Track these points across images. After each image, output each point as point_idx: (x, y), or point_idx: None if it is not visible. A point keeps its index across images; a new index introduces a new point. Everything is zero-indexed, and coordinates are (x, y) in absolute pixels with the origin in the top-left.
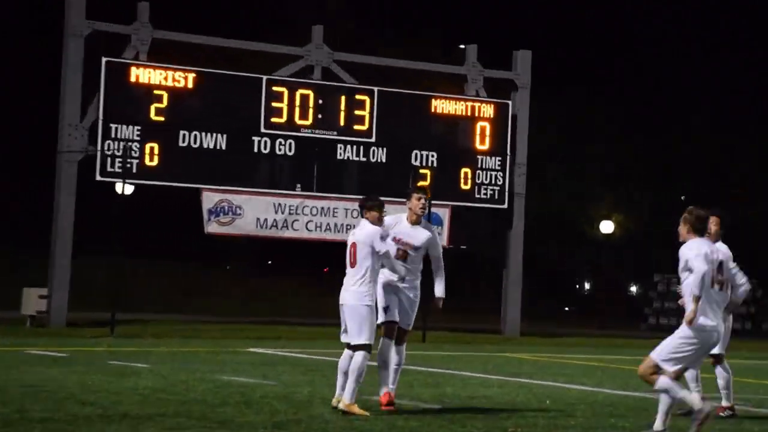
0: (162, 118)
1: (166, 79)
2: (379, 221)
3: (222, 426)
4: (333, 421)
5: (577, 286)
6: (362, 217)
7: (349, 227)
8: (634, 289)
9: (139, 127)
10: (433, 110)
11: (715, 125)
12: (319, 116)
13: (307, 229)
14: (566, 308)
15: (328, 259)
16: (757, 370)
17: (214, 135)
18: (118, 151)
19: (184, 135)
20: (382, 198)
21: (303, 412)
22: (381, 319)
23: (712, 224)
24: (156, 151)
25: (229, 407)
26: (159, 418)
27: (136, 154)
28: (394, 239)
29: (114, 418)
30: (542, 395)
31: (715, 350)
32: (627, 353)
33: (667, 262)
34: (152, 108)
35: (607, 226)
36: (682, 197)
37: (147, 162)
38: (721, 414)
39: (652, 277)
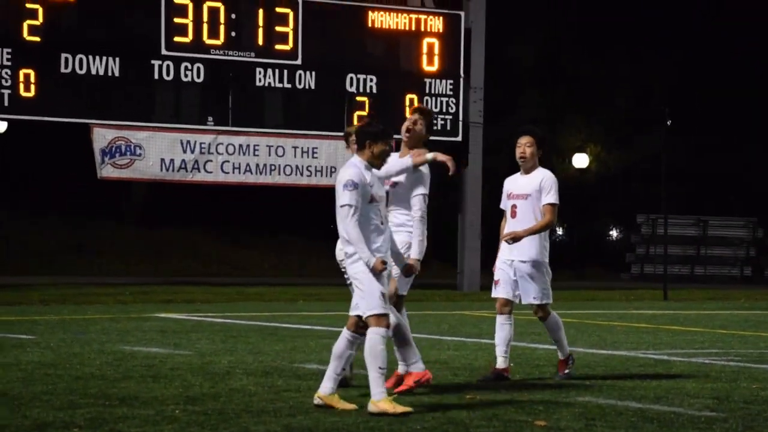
0: (37, 39)
1: None
2: (376, 159)
3: (124, 403)
4: (257, 394)
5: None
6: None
7: (272, 168)
8: (613, 233)
9: (9, 50)
10: (370, 25)
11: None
12: (233, 34)
13: (222, 170)
14: None
15: (250, 206)
16: (757, 323)
17: (105, 59)
18: None
19: (66, 59)
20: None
21: (222, 385)
22: None
23: (526, 145)
24: (32, 78)
25: (132, 381)
26: (46, 397)
27: (8, 83)
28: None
29: None
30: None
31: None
32: (605, 307)
33: (652, 200)
34: (25, 25)
35: (580, 160)
36: (669, 122)
37: (22, 92)
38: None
39: (634, 219)
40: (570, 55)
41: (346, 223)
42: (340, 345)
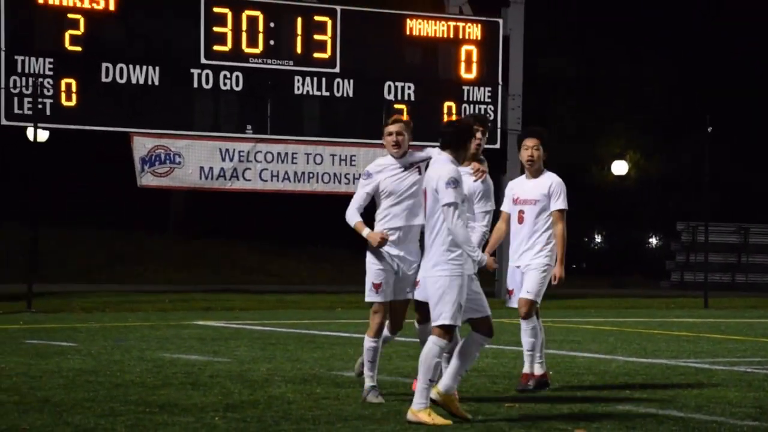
0: (79, 48)
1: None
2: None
3: (164, 410)
4: (296, 401)
5: (586, 239)
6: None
7: (311, 176)
8: (653, 240)
9: (51, 60)
10: (408, 32)
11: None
12: (271, 43)
13: (261, 178)
14: (573, 265)
15: (288, 214)
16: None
17: (145, 68)
18: (27, 89)
19: (107, 68)
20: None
21: (260, 392)
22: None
23: (534, 148)
24: (74, 88)
25: (172, 389)
26: (88, 403)
27: (50, 93)
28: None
29: (33, 405)
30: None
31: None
32: (644, 315)
33: (692, 207)
34: (67, 35)
35: (620, 167)
36: (709, 129)
37: (63, 102)
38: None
39: (674, 226)
40: (606, 61)
41: (452, 222)
42: (465, 344)
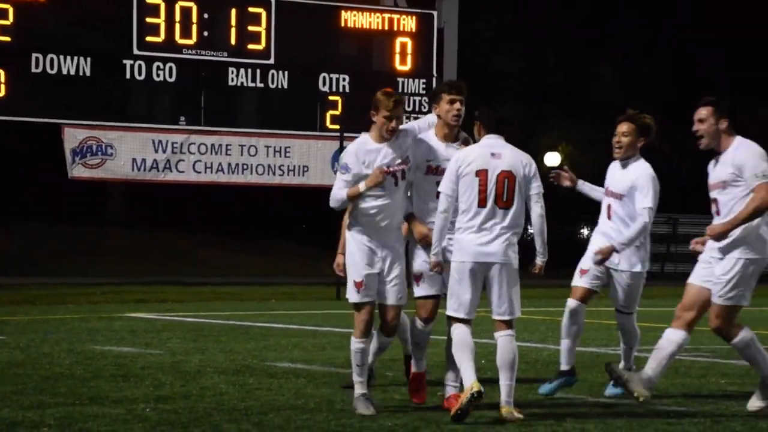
0: (8, 38)
1: None
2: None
3: (93, 402)
4: (228, 392)
5: None
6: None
7: (245, 167)
8: (585, 231)
9: None
10: (342, 24)
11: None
12: (205, 34)
13: (194, 170)
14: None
15: (224, 206)
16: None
17: (76, 58)
18: None
19: (37, 59)
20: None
21: (192, 384)
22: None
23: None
24: (3, 78)
25: (102, 381)
26: (15, 396)
27: None
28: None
29: None
30: (478, 355)
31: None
32: None
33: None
34: None
35: (552, 158)
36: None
37: None
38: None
39: None
40: (550, 59)
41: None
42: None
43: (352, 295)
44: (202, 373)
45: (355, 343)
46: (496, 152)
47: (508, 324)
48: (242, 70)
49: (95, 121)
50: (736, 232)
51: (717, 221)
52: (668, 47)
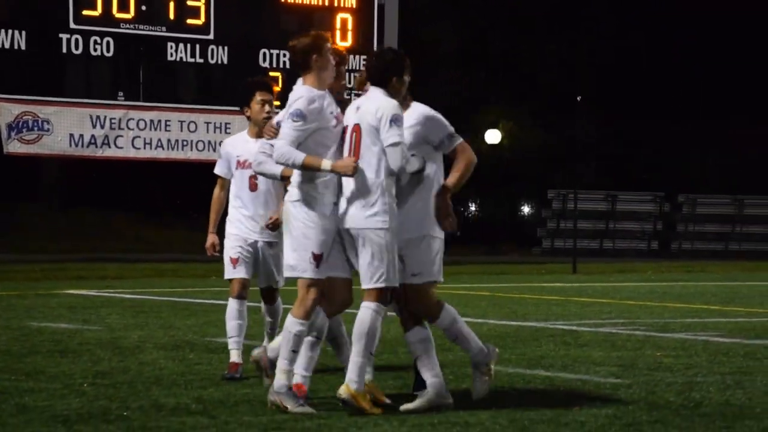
0: None
1: None
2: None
3: (30, 378)
4: (168, 367)
5: (462, 208)
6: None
7: (185, 143)
8: (526, 209)
9: None
10: (283, 0)
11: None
12: (143, 8)
13: (133, 146)
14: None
15: (163, 182)
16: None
17: (11, 32)
18: None
19: None
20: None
21: (131, 359)
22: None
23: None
24: None
25: (39, 356)
26: None
27: None
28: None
29: None
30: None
31: None
32: (516, 281)
33: (563, 176)
34: None
35: (493, 136)
36: (578, 98)
37: None
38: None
39: (545, 194)
40: (493, 35)
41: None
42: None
43: (310, 270)
44: (142, 348)
45: (296, 325)
46: (360, 105)
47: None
48: (181, 45)
49: (31, 95)
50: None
51: None
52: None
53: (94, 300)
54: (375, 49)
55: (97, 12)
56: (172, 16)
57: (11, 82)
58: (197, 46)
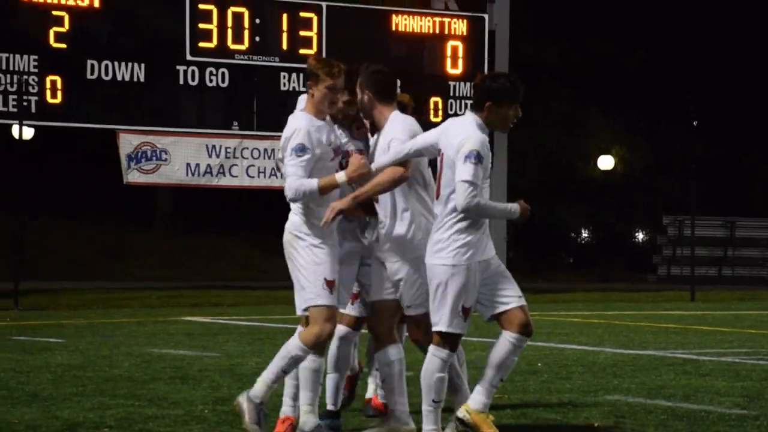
0: (64, 45)
1: None
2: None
3: (153, 404)
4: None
5: (573, 234)
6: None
7: None
8: (639, 235)
9: (36, 57)
10: (393, 28)
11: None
12: (257, 39)
13: (247, 175)
14: (568, 259)
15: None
16: None
17: (130, 65)
18: (12, 86)
19: (92, 65)
20: None
21: (250, 386)
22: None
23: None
24: (59, 85)
25: (161, 383)
26: (76, 398)
27: (35, 90)
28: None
29: (21, 399)
30: (533, 357)
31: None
32: (632, 308)
33: (680, 201)
34: (51, 33)
35: (606, 162)
36: (695, 123)
37: (49, 99)
38: None
39: (660, 221)
40: (593, 52)
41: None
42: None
43: (321, 297)
44: (259, 375)
45: (299, 350)
46: (446, 129)
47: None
48: (294, 75)
49: (149, 126)
50: None
51: None
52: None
53: (211, 327)
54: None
55: (213, 44)
56: (285, 46)
57: (131, 113)
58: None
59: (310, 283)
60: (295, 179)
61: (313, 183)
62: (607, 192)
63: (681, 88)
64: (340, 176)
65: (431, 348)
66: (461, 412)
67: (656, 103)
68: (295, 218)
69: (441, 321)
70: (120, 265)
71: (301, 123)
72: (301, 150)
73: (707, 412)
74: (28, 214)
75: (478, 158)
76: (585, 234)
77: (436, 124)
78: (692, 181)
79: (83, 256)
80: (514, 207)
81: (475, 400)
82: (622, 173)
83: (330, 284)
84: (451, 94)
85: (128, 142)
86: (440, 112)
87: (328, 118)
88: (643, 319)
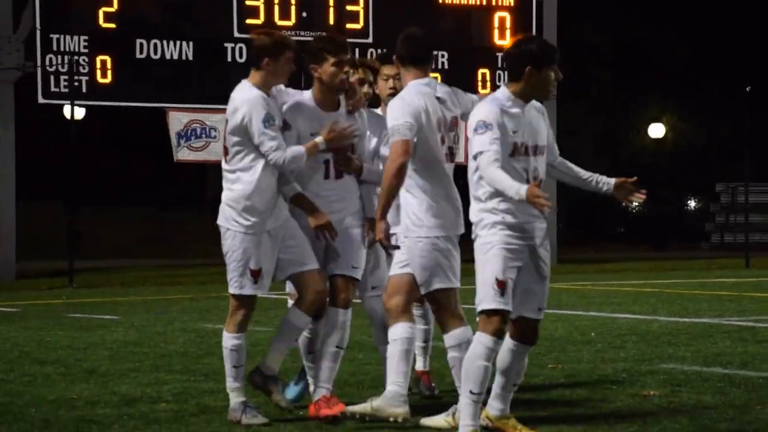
0: (113, 25)
1: None
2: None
3: (209, 378)
4: (341, 368)
5: (624, 205)
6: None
7: None
8: (692, 203)
9: (86, 37)
10: (440, 0)
11: None
12: (304, 15)
13: None
14: (619, 228)
15: None
16: None
17: (179, 43)
18: (63, 67)
19: (141, 44)
20: None
21: (303, 360)
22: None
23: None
24: (109, 65)
25: (215, 358)
26: (133, 374)
27: (85, 70)
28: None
29: (79, 376)
30: (586, 327)
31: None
32: (685, 276)
33: (732, 170)
34: (101, 13)
35: (656, 130)
36: (747, 88)
37: (99, 79)
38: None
39: (713, 188)
40: (642, 30)
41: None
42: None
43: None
44: None
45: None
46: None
47: None
48: None
49: (199, 104)
50: None
51: None
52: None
53: (263, 302)
54: None
55: (260, 20)
56: (331, 21)
57: (180, 91)
58: (356, 50)
59: (232, 271)
60: (281, 152)
61: (301, 149)
62: (658, 160)
63: (731, 55)
64: (319, 140)
65: (476, 334)
66: (483, 420)
67: (708, 73)
68: (225, 209)
69: (477, 297)
70: (172, 243)
71: (251, 95)
72: (267, 120)
73: (765, 378)
74: (80, 195)
75: (485, 126)
76: (636, 204)
77: (484, 96)
78: (746, 147)
79: (135, 236)
80: (521, 190)
81: (492, 406)
82: (673, 141)
83: (254, 273)
84: (499, 65)
85: (178, 120)
86: (488, 84)
87: (277, 89)
88: (697, 287)
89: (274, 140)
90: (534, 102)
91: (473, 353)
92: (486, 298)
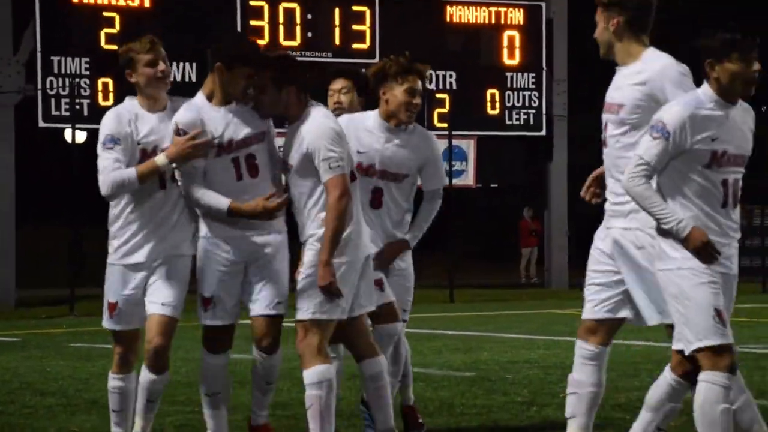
0: (115, 47)
1: None
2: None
3: None
4: (345, 398)
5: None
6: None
7: None
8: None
9: (87, 59)
10: (448, 19)
11: None
12: (309, 35)
13: None
14: None
15: None
16: None
17: (182, 65)
18: (64, 90)
19: None
20: None
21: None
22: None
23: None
24: (111, 87)
25: None
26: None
27: (86, 93)
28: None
29: (80, 407)
30: None
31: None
32: None
33: (748, 191)
34: (102, 34)
35: None
36: (763, 108)
37: (101, 101)
38: None
39: None
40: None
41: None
42: (656, 392)
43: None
44: None
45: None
46: None
47: None
48: None
49: None
50: None
51: None
52: None
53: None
54: (544, 66)
55: (264, 40)
56: (337, 41)
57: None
58: (363, 71)
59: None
60: (108, 172)
61: (131, 172)
62: None
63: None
64: (160, 158)
65: (702, 375)
66: None
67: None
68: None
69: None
70: None
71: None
72: (114, 141)
73: None
74: (82, 220)
75: (662, 131)
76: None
77: (493, 118)
78: (763, 169)
79: None
80: (683, 226)
81: None
82: None
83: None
84: (509, 85)
85: None
86: (497, 105)
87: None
88: (741, 312)
89: (107, 162)
90: (742, 103)
91: (708, 398)
92: (708, 332)
